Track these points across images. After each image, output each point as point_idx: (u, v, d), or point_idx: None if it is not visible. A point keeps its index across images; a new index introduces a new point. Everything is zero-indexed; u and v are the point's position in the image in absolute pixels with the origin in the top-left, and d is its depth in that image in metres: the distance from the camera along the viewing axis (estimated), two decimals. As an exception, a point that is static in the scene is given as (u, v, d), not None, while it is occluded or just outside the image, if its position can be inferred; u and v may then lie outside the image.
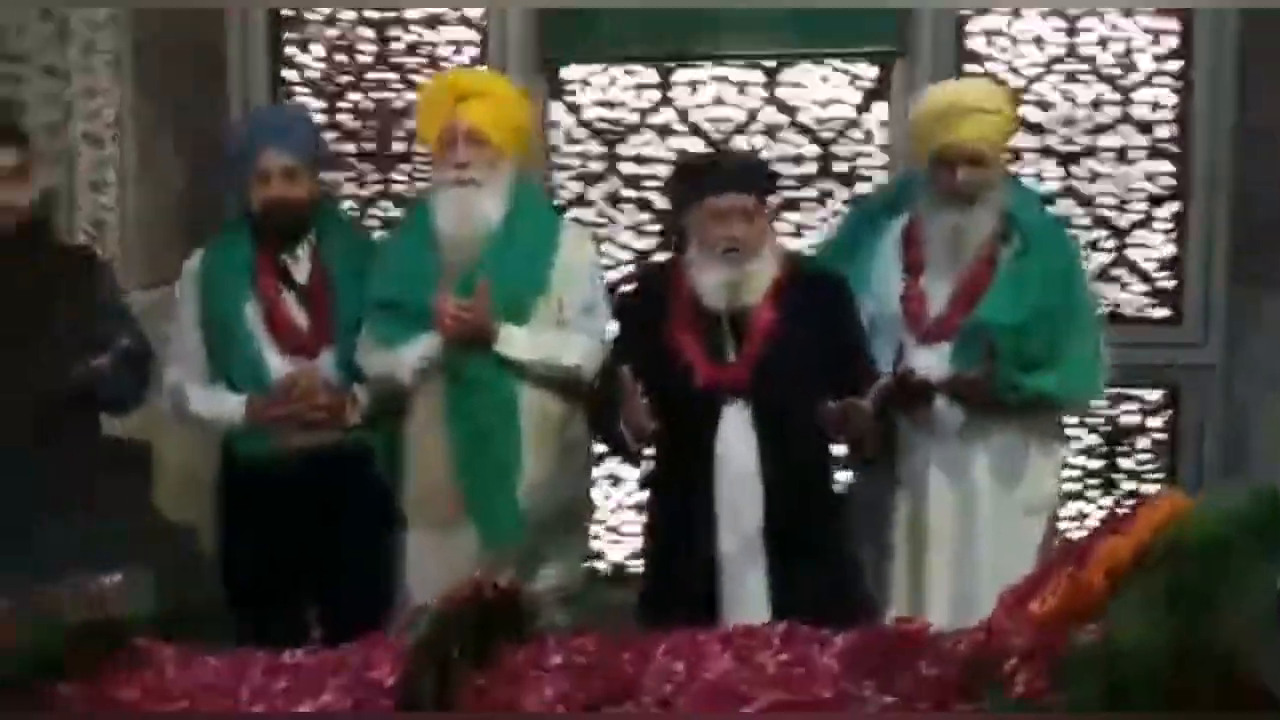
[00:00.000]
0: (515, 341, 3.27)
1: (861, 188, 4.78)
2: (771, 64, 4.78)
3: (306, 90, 5.01)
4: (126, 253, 4.38)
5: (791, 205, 4.83)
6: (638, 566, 4.89)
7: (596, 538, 5.04)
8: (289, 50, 5.00)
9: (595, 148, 4.90)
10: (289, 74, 5.01)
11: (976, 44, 4.72)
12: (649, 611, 3.30)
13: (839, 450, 3.38)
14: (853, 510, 3.54)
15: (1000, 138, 3.36)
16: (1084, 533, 4.44)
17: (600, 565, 5.04)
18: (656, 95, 4.86)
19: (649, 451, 3.32)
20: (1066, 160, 4.65)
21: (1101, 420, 4.67)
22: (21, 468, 3.20)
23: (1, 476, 3.18)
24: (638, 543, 4.91)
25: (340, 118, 5.00)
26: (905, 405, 3.26)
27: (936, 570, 3.34)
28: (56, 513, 3.22)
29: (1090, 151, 4.65)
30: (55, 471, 3.23)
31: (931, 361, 3.27)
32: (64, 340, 3.22)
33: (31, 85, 4.32)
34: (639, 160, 4.88)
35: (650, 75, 4.86)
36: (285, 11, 4.95)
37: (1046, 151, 4.65)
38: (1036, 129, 4.62)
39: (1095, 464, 4.75)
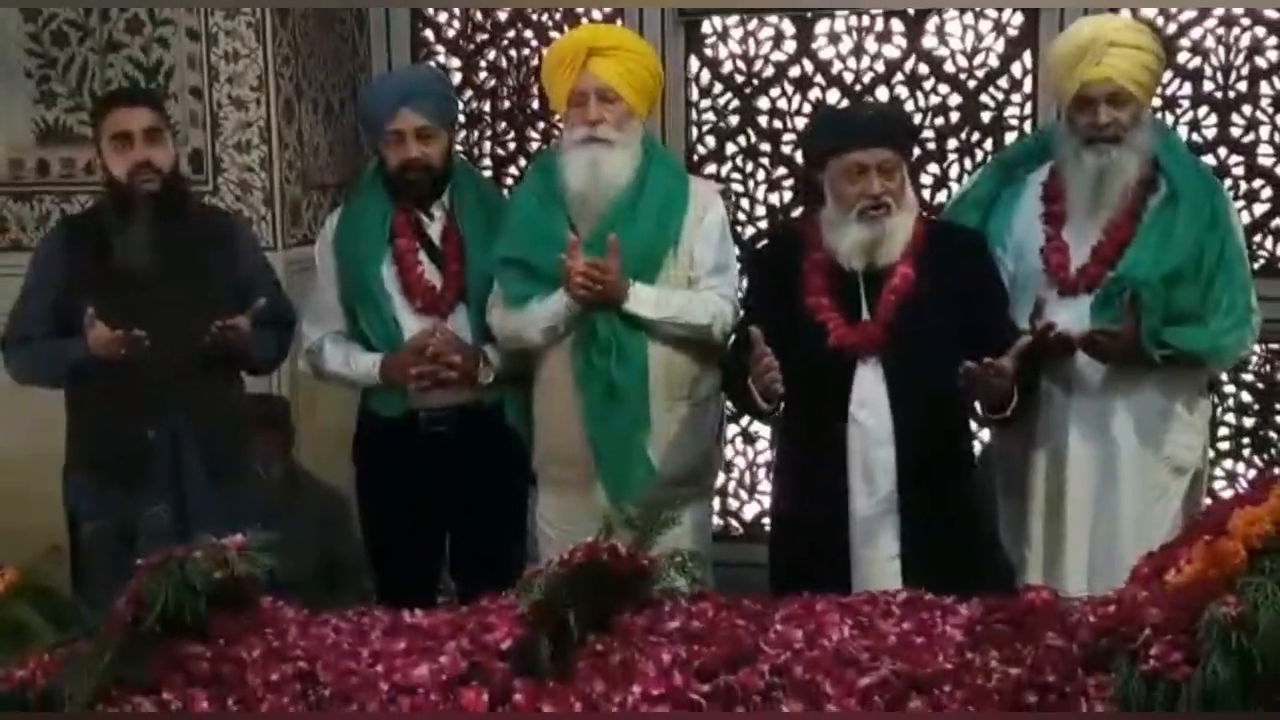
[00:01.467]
0: (645, 300, 3.24)
1: (1009, 138, 4.66)
2: (913, 12, 4.67)
3: (443, 49, 5.05)
4: (272, 213, 4.48)
5: (936, 156, 4.73)
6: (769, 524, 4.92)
7: (732, 495, 5.05)
8: (428, 10, 5.03)
9: (732, 101, 4.86)
10: (426, 33, 5.05)
11: (1129, -13, 4.55)
12: (780, 572, 3.28)
13: (975, 409, 3.30)
14: (989, 469, 3.46)
15: (1145, 76, 3.20)
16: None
17: (734, 523, 5.05)
18: (794, 46, 4.79)
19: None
20: (1224, 108, 4.46)
21: (1254, 377, 4.49)
22: (167, 424, 3.29)
23: (145, 431, 3.26)
24: (769, 502, 4.92)
25: (477, 76, 5.04)
26: (1045, 361, 3.16)
27: (1075, 531, 3.25)
28: (202, 469, 3.33)
29: (1249, 98, 4.45)
30: (199, 428, 3.31)
31: (1072, 316, 3.16)
32: (206, 298, 3.29)
33: (176, 48, 4.44)
34: (775, 114, 4.83)
35: (788, 26, 4.78)
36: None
37: (1202, 99, 4.46)
38: (1193, 75, 4.43)
39: (1249, 422, 4.59)
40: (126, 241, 3.27)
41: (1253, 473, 4.61)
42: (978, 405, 3.18)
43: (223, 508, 3.32)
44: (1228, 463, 4.54)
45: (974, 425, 3.46)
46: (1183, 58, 4.37)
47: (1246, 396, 4.56)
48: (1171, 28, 4.34)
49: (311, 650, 1.98)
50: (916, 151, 4.29)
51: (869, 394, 3.11)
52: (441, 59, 5.05)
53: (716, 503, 4.35)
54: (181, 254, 3.30)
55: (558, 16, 4.91)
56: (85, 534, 3.27)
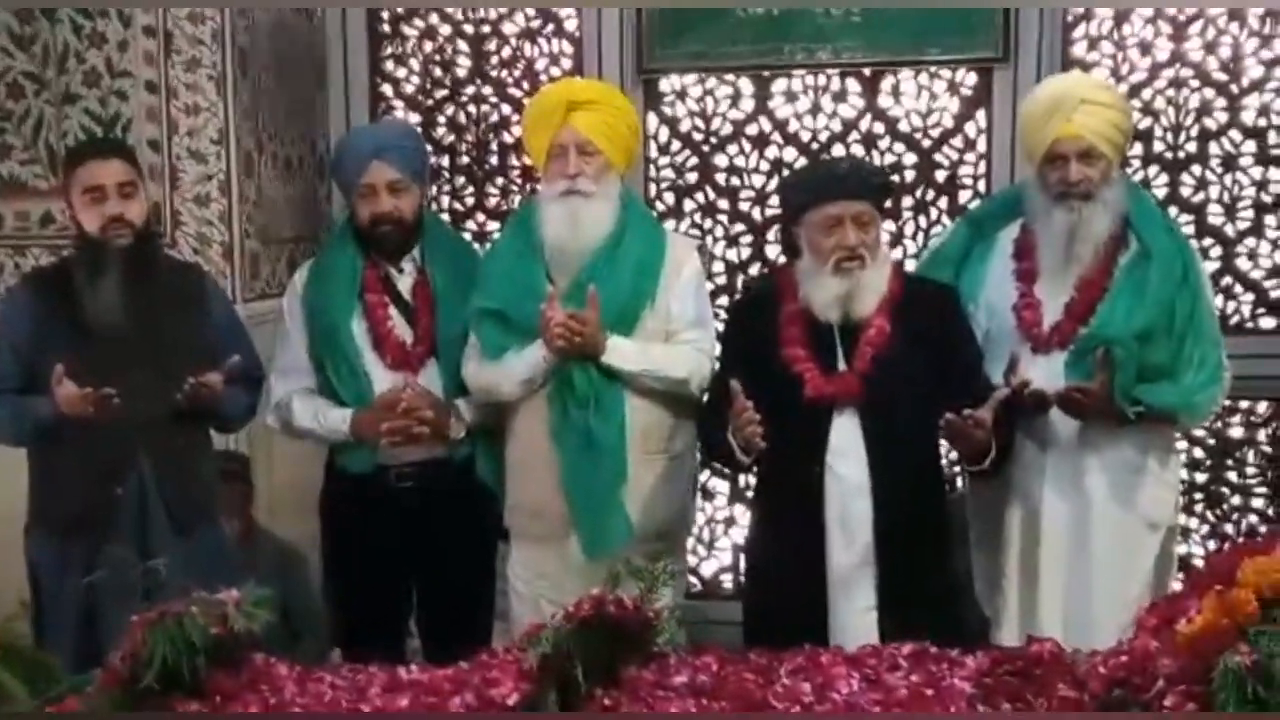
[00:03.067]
0: (624, 353, 3.24)
1: (963, 196, 4.73)
2: (869, 72, 4.74)
3: (401, 104, 5.04)
4: (231, 266, 4.43)
5: (891, 214, 4.77)
6: (729, 581, 4.91)
7: (691, 551, 5.03)
8: (387, 66, 5.03)
9: (690, 158, 4.89)
10: (385, 88, 5.04)
11: (1080, 50, 4.64)
12: (755, 623, 3.27)
13: (949, 461, 3.32)
14: (963, 522, 3.48)
15: (1116, 134, 3.25)
16: (1190, 549, 4.48)
17: (692, 579, 5.02)
18: (752, 105, 4.83)
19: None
20: (1173, 168, 4.55)
21: (1207, 433, 4.56)
22: (135, 481, 3.23)
23: (114, 488, 3.20)
24: (728, 558, 4.91)
25: (436, 132, 5.04)
26: (1019, 417, 3.18)
27: (1049, 586, 3.27)
28: (169, 525, 3.26)
29: (1197, 158, 4.55)
30: (167, 485, 3.25)
31: (1046, 373, 3.19)
32: (177, 355, 3.24)
33: (134, 100, 4.39)
34: (733, 171, 4.86)
35: (746, 85, 4.83)
36: (384, 27, 4.99)
37: (1153, 159, 4.56)
38: (1144, 136, 4.52)
39: (1201, 478, 4.64)
40: (97, 297, 3.21)
41: (1205, 528, 4.68)
42: (955, 454, 3.21)
43: (189, 564, 3.26)
44: (1180, 518, 4.58)
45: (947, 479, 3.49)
46: (1134, 117, 4.46)
47: (1199, 452, 4.62)
48: (1123, 88, 4.43)
49: (310, 707, 1.94)
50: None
51: (846, 445, 3.12)
52: (400, 114, 5.04)
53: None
54: (153, 310, 3.25)
55: (517, 73, 4.93)
56: (80, 588, 3.18)
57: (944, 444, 3.23)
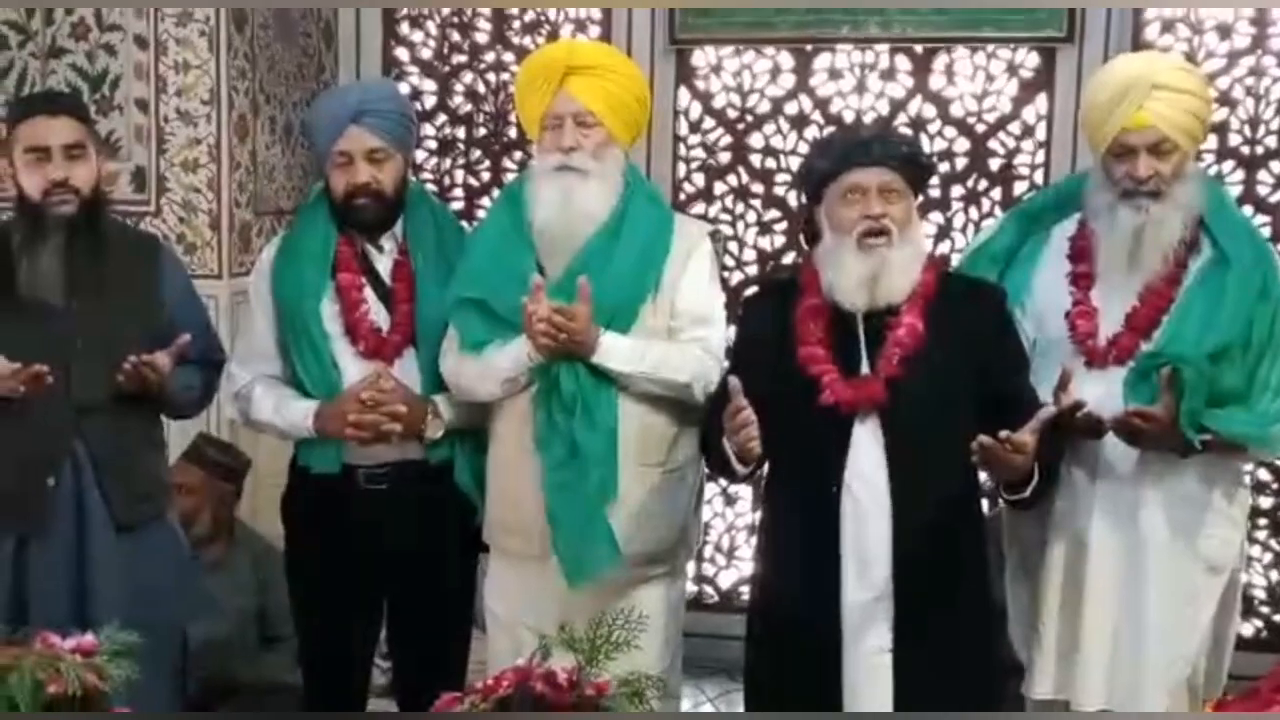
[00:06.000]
0: (617, 352, 2.85)
1: (1018, 188, 4.41)
2: (920, 49, 4.37)
3: (416, 70, 4.74)
4: (218, 237, 4.14)
5: (940, 204, 4.42)
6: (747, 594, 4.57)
7: (709, 560, 4.71)
8: (402, 28, 4.72)
9: (724, 138, 4.56)
10: (399, 52, 4.73)
11: (1152, 33, 4.28)
12: (759, 659, 2.93)
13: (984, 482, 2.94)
14: (997, 552, 3.09)
15: (1192, 123, 2.84)
16: (1250, 578, 4.10)
17: (708, 590, 4.71)
18: (792, 81, 4.48)
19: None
20: (1250, 164, 4.21)
21: (1274, 454, 4.18)
22: (71, 471, 2.93)
23: (45, 478, 2.90)
24: (748, 568, 4.57)
25: (452, 100, 4.72)
26: (1068, 440, 2.79)
27: (1094, 633, 2.88)
28: (109, 522, 2.96)
29: (1277, 154, 4.22)
30: (106, 478, 2.94)
31: (1101, 391, 2.79)
32: (121, 333, 2.92)
33: (123, 56, 4.10)
34: (769, 152, 4.54)
35: (786, 59, 4.48)
36: (398, -15, 4.68)
37: (1227, 153, 4.21)
38: (1218, 128, 4.15)
39: (1267, 502, 4.32)
40: (33, 267, 2.90)
41: (1268, 556, 4.30)
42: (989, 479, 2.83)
43: (130, 567, 2.96)
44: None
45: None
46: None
47: (1265, 474, 4.25)
48: (1201, 76, 4.04)
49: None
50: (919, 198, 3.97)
51: (865, 461, 2.74)
52: (415, 81, 4.74)
53: (691, 567, 3.98)
54: (95, 283, 2.93)
55: (541, 39, 4.61)
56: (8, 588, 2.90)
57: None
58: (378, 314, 3.07)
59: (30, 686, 1.54)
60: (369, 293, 3.07)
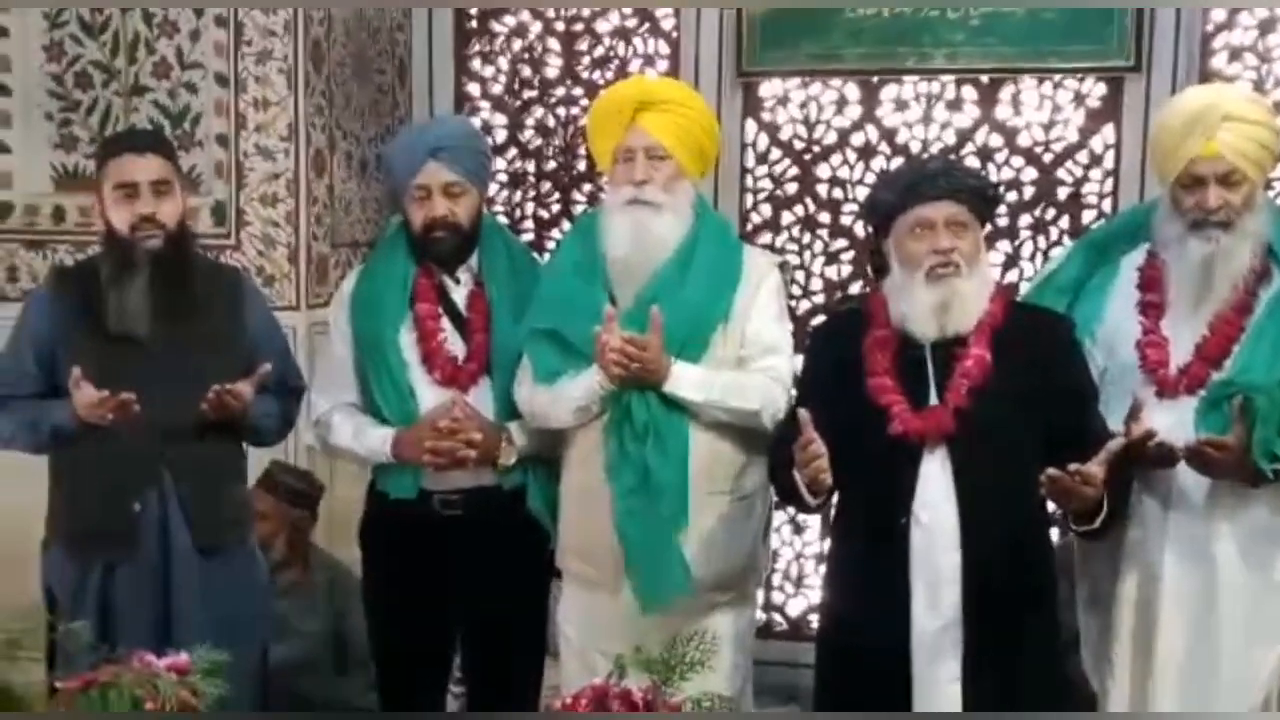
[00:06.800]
0: (688, 380, 2.90)
1: (1086, 216, 4.38)
2: (987, 79, 4.39)
3: (487, 105, 4.82)
4: (296, 270, 4.22)
5: (1007, 234, 4.43)
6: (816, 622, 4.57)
7: (778, 588, 4.72)
8: (473, 64, 4.81)
9: (790, 169, 4.59)
10: (471, 88, 4.82)
11: (1220, 61, 4.26)
12: (829, 688, 2.94)
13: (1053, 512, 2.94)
14: (1068, 583, 3.09)
15: (1262, 154, 2.85)
16: None
17: (777, 618, 4.72)
18: (859, 112, 4.51)
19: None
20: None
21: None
22: (156, 497, 3.00)
23: (131, 504, 2.98)
24: (816, 596, 4.57)
25: (523, 134, 4.80)
26: (1139, 471, 2.80)
27: (1166, 666, 2.88)
28: (192, 547, 3.03)
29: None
30: (191, 502, 3.02)
31: (1172, 421, 2.80)
32: (205, 362, 3.00)
33: (204, 93, 4.20)
34: (835, 183, 4.56)
35: (853, 91, 4.52)
36: (472, 23, 4.76)
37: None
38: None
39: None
40: (122, 299, 2.99)
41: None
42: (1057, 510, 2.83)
43: (213, 590, 3.03)
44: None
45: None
46: None
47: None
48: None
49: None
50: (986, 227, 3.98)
51: (934, 491, 2.75)
52: (486, 115, 4.82)
53: (760, 595, 3.99)
54: (181, 314, 3.01)
55: (610, 74, 4.67)
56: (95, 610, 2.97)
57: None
58: (454, 343, 3.13)
59: (129, 703, 1.60)
60: (445, 322, 3.14)
